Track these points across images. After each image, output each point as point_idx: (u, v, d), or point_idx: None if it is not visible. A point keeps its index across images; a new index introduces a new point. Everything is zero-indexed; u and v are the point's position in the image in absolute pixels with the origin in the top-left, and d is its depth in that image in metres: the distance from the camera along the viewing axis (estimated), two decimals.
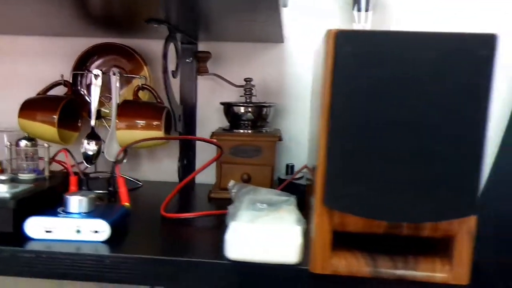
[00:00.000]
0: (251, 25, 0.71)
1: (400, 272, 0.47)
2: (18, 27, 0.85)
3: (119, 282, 0.49)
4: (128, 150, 0.86)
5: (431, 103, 0.42)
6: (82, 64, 0.88)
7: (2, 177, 0.56)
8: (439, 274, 0.46)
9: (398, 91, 0.42)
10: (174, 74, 0.79)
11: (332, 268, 0.47)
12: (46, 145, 0.66)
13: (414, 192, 0.44)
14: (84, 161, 0.85)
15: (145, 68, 0.87)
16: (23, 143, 0.66)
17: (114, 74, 0.83)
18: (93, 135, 0.84)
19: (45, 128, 0.79)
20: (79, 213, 0.55)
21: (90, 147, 0.84)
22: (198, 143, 0.93)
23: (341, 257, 0.48)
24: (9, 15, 0.72)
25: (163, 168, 0.94)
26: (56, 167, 0.71)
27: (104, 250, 0.51)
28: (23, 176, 0.65)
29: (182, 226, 0.62)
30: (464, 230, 0.45)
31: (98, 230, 0.53)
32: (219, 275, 0.48)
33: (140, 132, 0.77)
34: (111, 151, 0.84)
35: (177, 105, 0.82)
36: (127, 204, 0.63)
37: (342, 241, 0.49)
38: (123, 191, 0.64)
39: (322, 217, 0.46)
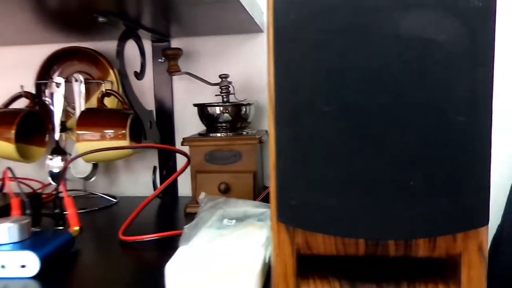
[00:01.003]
0: (217, 12, 0.61)
1: None
2: None
3: None
4: (98, 165, 0.78)
5: (415, 78, 0.31)
6: (46, 73, 0.81)
7: None
8: None
9: (366, 68, 0.32)
10: (137, 76, 0.71)
11: None
12: None
13: (396, 199, 0.32)
14: (50, 179, 0.77)
15: (111, 72, 0.78)
16: None
17: (76, 80, 0.75)
18: (58, 150, 0.76)
19: (2, 145, 0.71)
20: (7, 244, 0.46)
21: (55, 163, 0.76)
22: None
23: (311, 287, 0.37)
24: None
25: (141, 181, 0.85)
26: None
27: None
28: None
29: (139, 251, 0.53)
30: (471, 248, 0.34)
31: (26, 264, 0.44)
32: None
33: (102, 143, 0.68)
34: (77, 166, 0.76)
35: (145, 111, 0.72)
36: (76, 228, 0.54)
37: (317, 266, 0.39)
38: (71, 213, 0.54)
39: (281, 237, 0.36)
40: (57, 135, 0.75)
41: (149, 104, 0.83)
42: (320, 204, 0.33)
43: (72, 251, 0.52)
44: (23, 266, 0.44)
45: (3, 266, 0.44)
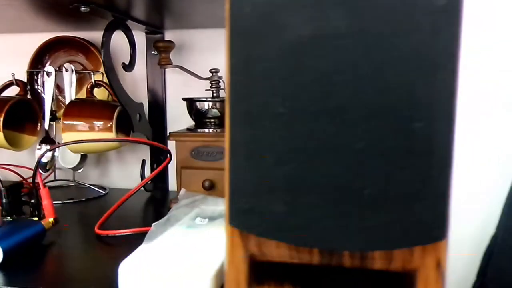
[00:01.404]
0: (210, 4, 0.59)
1: None
2: None
3: None
4: (86, 156, 0.78)
5: (373, 80, 0.29)
6: (38, 62, 0.81)
7: None
8: None
9: (323, 68, 0.30)
10: (126, 68, 0.70)
11: None
12: None
13: (349, 208, 0.31)
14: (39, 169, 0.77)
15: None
16: None
17: (66, 70, 0.75)
18: (47, 140, 0.76)
19: None
20: None
21: (43, 152, 0.76)
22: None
23: None
24: None
25: (132, 174, 0.85)
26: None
27: None
28: None
29: (112, 246, 0.52)
30: (429, 264, 0.32)
31: None
32: None
33: (88, 134, 0.68)
34: (66, 157, 0.76)
35: (133, 103, 0.72)
36: (50, 220, 0.53)
37: (278, 272, 0.37)
38: (46, 204, 0.54)
39: (234, 242, 0.34)
40: (46, 125, 0.75)
41: (143, 96, 0.82)
42: (270, 210, 0.32)
43: (44, 243, 0.51)
44: None
45: None
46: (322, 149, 0.30)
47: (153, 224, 0.48)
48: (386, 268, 0.33)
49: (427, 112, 0.29)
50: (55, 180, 0.81)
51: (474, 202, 0.74)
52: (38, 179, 0.55)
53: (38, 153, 0.75)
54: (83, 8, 0.56)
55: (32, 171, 0.80)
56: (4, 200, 0.55)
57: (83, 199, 0.74)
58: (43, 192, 0.54)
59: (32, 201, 0.55)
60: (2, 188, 0.54)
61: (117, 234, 0.55)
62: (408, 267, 0.32)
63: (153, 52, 0.80)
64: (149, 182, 0.80)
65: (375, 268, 0.33)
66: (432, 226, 0.30)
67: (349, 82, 0.30)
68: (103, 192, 0.79)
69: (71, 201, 0.73)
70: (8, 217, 0.53)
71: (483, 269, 0.72)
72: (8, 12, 0.66)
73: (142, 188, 0.77)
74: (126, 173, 0.86)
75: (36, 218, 0.54)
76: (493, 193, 0.73)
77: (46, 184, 0.80)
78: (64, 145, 0.60)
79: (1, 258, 0.44)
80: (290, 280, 0.37)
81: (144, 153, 0.83)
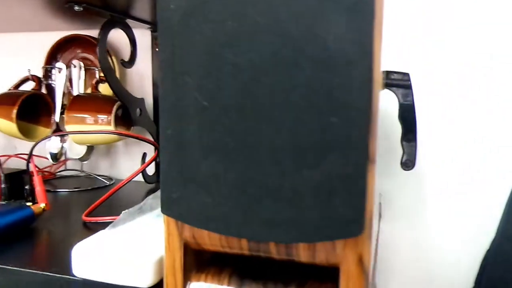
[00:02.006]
0: None
1: None
2: None
3: None
4: (93, 148, 0.82)
5: (292, 75, 0.30)
6: (53, 59, 0.86)
7: None
8: None
9: (243, 62, 0.31)
10: (125, 64, 0.73)
11: None
12: None
13: (268, 200, 0.31)
14: (50, 159, 0.82)
15: (109, 59, 0.82)
16: None
17: (75, 66, 0.80)
18: (57, 131, 0.81)
19: (5, 123, 0.77)
20: None
21: (54, 144, 0.81)
22: None
23: (200, 281, 0.37)
24: None
25: (138, 166, 0.88)
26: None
27: None
28: None
29: (93, 232, 0.55)
30: (350, 258, 0.32)
31: None
32: None
33: (88, 127, 0.72)
34: (73, 148, 0.80)
35: (133, 99, 0.75)
36: (41, 205, 0.57)
37: (220, 261, 0.39)
38: (39, 190, 0.58)
39: (170, 230, 0.36)
40: (57, 117, 0.80)
41: (147, 92, 0.85)
42: (197, 200, 0.33)
43: (32, 226, 0.55)
44: None
45: None
46: (242, 144, 0.31)
47: (123, 211, 0.50)
48: (312, 261, 0.33)
49: (343, 109, 0.29)
50: (65, 170, 0.86)
51: (475, 207, 0.72)
52: (32, 167, 0.59)
53: (49, 144, 0.81)
54: (76, 8, 0.60)
55: (45, 160, 0.86)
56: (3, 185, 0.60)
57: (89, 188, 0.79)
58: (36, 180, 0.59)
59: (26, 187, 0.59)
60: (2, 174, 0.59)
61: (102, 221, 0.58)
62: (331, 261, 0.33)
63: (157, 49, 0.83)
64: (152, 174, 0.84)
65: (301, 260, 0.34)
66: (349, 221, 0.30)
67: (265, 78, 0.30)
68: (109, 182, 0.83)
69: (77, 189, 0.78)
70: (5, 201, 0.58)
71: (479, 277, 0.69)
72: (23, 11, 0.71)
73: (143, 180, 0.81)
74: (132, 165, 0.90)
75: (30, 203, 0.58)
76: (494, 197, 0.70)
77: (57, 174, 0.86)
78: (59, 135, 0.65)
79: None
80: (229, 268, 0.38)
81: (150, 146, 0.87)
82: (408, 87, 0.59)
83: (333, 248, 0.32)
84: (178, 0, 0.32)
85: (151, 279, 0.38)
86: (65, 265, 0.42)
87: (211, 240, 0.35)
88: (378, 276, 0.77)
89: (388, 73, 0.60)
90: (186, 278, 0.37)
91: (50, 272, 0.41)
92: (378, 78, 0.30)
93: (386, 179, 0.73)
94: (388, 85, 0.60)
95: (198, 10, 0.31)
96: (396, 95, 0.59)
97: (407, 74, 0.59)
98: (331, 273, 0.35)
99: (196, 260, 0.38)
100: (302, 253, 0.33)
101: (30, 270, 0.42)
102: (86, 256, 0.39)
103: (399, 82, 0.59)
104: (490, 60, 0.69)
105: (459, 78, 0.71)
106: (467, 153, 0.71)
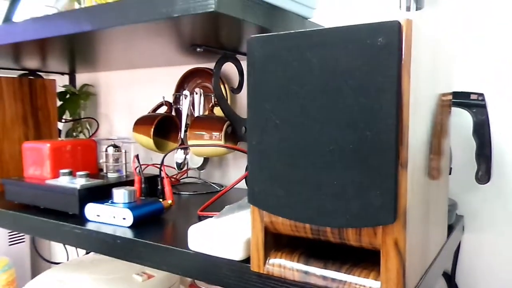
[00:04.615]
0: None
1: (329, 279, 0.44)
2: (133, 63, 1.09)
3: (121, 258, 0.61)
4: (208, 159, 1.00)
5: (337, 100, 0.40)
6: (181, 87, 1.07)
7: (81, 173, 0.76)
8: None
9: (303, 91, 0.42)
10: (233, 91, 0.89)
11: (266, 268, 0.48)
12: (123, 150, 0.85)
13: (324, 194, 0.42)
14: (176, 168, 1.02)
15: (222, 87, 0.99)
16: (110, 149, 0.86)
17: (196, 93, 0.98)
18: (182, 145, 1.00)
19: (145, 139, 0.99)
20: (118, 203, 0.69)
21: (179, 155, 1.00)
22: None
23: (277, 258, 0.48)
24: (126, 53, 0.94)
25: None
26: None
27: (122, 233, 0.63)
28: (110, 174, 0.84)
29: None
30: (388, 242, 0.40)
31: (126, 217, 0.67)
32: (183, 261, 0.55)
33: (204, 142, 0.89)
34: (192, 159, 0.99)
35: (239, 119, 0.90)
36: (169, 201, 0.75)
37: (297, 244, 0.50)
38: (167, 190, 0.76)
39: (254, 216, 0.48)
40: (182, 134, 1.00)
41: None
42: (273, 193, 0.45)
43: (161, 217, 0.73)
44: (124, 218, 0.67)
45: (114, 217, 0.68)
46: (303, 151, 0.42)
47: (226, 206, 0.64)
48: (359, 244, 0.42)
49: (375, 124, 0.38)
50: (187, 177, 1.05)
51: None
52: (163, 173, 0.77)
53: (175, 155, 1.00)
54: (198, 49, 0.77)
55: (172, 169, 1.06)
56: (143, 185, 0.79)
57: (204, 192, 0.96)
58: (165, 181, 0.76)
59: (159, 187, 0.77)
60: (143, 177, 0.78)
61: (211, 215, 0.73)
62: (373, 244, 0.41)
63: None
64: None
65: (351, 243, 0.43)
66: (383, 212, 0.39)
67: (319, 102, 0.41)
68: (219, 188, 0.99)
69: (195, 193, 0.95)
70: (144, 197, 0.76)
71: None
72: (157, 52, 0.91)
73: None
74: (240, 174, 1.05)
75: (161, 200, 0.75)
76: None
77: (180, 180, 1.05)
78: (184, 147, 0.82)
79: (132, 221, 0.66)
80: (300, 249, 0.48)
81: None
82: (483, 106, 0.64)
83: (374, 233, 0.41)
84: (260, 49, 0.44)
85: (242, 254, 0.50)
86: (183, 242, 0.56)
87: (283, 225, 0.46)
88: (463, 285, 0.79)
89: (463, 94, 0.65)
90: (267, 255, 0.48)
91: (173, 246, 0.57)
92: (407, 101, 0.38)
93: (470, 193, 0.76)
94: (463, 105, 0.65)
95: (273, 56, 0.43)
96: (470, 114, 0.64)
97: (482, 94, 0.64)
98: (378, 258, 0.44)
99: (275, 242, 0.49)
100: (351, 237, 0.42)
101: (161, 244, 0.57)
102: (198, 235, 0.53)
103: (475, 102, 0.64)
104: None
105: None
106: None
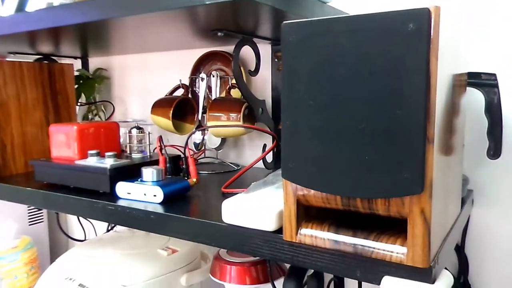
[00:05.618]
0: None
1: (359, 246, 0.48)
2: (147, 47, 1.11)
3: (155, 232, 0.65)
4: (225, 140, 1.03)
5: (368, 82, 0.44)
6: (197, 70, 1.09)
7: (109, 153, 0.79)
8: (396, 253, 0.46)
9: (336, 74, 0.45)
10: (251, 73, 0.92)
11: (298, 237, 0.52)
12: (147, 132, 0.88)
13: (356, 168, 0.45)
14: (193, 148, 1.06)
15: (239, 69, 1.02)
16: (134, 131, 0.89)
17: (213, 76, 1.01)
18: (200, 127, 1.04)
19: (164, 121, 1.02)
20: (147, 181, 0.73)
21: (196, 136, 1.04)
22: None
23: (308, 228, 0.52)
24: (142, 38, 0.97)
25: (259, 155, 1.07)
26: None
27: (153, 209, 0.67)
28: (134, 155, 0.88)
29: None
30: (415, 211, 0.44)
31: (156, 194, 0.71)
32: (217, 233, 0.59)
33: (223, 123, 0.93)
34: (211, 139, 1.02)
35: (257, 100, 0.93)
36: (194, 180, 0.79)
37: (326, 216, 0.54)
38: (192, 169, 0.80)
39: (287, 189, 0.52)
40: (199, 116, 1.03)
41: (267, 95, 1.04)
42: (306, 168, 0.48)
43: (187, 194, 0.77)
44: (154, 195, 0.71)
45: (145, 194, 0.72)
46: (335, 129, 0.46)
47: (252, 183, 0.68)
48: (387, 214, 0.46)
49: (405, 104, 0.42)
50: (205, 157, 1.08)
51: None
52: (187, 153, 0.81)
53: (193, 136, 1.04)
54: (219, 34, 0.80)
55: (189, 150, 1.09)
56: (167, 165, 0.82)
57: (222, 171, 1.00)
58: (190, 161, 0.80)
59: (183, 166, 0.81)
60: (167, 157, 0.82)
61: (235, 192, 0.77)
62: (401, 213, 0.45)
63: (275, 59, 1.00)
64: (271, 161, 1.02)
65: (380, 213, 0.47)
66: (412, 183, 0.43)
67: (351, 84, 0.44)
68: (236, 168, 1.03)
69: (213, 172, 0.99)
70: (170, 176, 0.80)
71: None
72: (177, 37, 0.94)
73: (263, 167, 0.99)
74: (254, 154, 1.09)
75: (185, 178, 0.79)
76: None
77: (198, 160, 1.09)
78: (204, 128, 0.85)
79: (163, 198, 0.70)
80: (329, 220, 0.52)
81: (269, 139, 1.05)
82: (495, 86, 0.67)
83: (402, 203, 0.45)
84: (294, 34, 0.47)
85: (274, 225, 0.55)
86: (213, 216, 0.61)
87: (315, 198, 0.50)
88: (472, 256, 0.83)
89: (476, 74, 0.68)
90: (298, 225, 0.52)
91: (205, 219, 0.61)
92: (434, 82, 0.42)
93: (479, 169, 0.80)
94: (476, 84, 0.68)
95: (307, 41, 0.47)
96: (483, 93, 0.68)
97: (494, 75, 0.67)
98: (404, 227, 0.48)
99: (306, 214, 0.53)
100: (380, 207, 0.46)
101: (196, 218, 0.62)
102: (232, 209, 0.57)
103: (486, 82, 0.67)
104: None
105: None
106: None
